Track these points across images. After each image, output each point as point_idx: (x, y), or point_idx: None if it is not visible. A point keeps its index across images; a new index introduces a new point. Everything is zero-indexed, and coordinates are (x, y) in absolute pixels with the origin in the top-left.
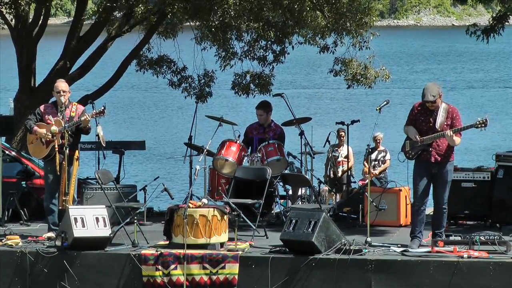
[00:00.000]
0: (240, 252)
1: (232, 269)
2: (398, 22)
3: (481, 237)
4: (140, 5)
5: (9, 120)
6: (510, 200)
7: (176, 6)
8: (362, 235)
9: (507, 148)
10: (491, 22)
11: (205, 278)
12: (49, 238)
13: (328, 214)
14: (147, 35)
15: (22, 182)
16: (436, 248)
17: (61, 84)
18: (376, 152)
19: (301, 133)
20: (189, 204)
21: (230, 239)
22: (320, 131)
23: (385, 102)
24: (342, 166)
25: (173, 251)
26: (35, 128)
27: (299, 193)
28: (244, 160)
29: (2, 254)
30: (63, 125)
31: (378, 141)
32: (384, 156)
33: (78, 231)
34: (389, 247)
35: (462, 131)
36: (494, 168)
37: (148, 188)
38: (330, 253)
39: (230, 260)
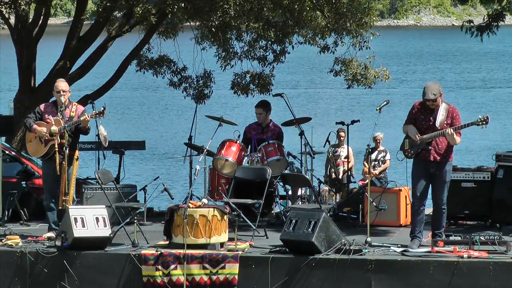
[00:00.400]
0: (240, 252)
1: (232, 269)
2: (398, 22)
3: (481, 237)
4: (140, 5)
5: (9, 120)
6: (510, 200)
7: (176, 6)
8: (362, 235)
9: (508, 148)
10: (486, 20)
11: (205, 278)
12: (49, 238)
13: (328, 214)
14: (147, 35)
15: (22, 182)
16: (436, 248)
17: (61, 84)
18: (376, 152)
19: (301, 133)
20: (189, 204)
21: (230, 239)
22: (320, 131)
23: (385, 102)
24: (343, 166)
25: (173, 251)
26: (34, 126)
27: (299, 193)
28: (244, 160)
29: (2, 254)
30: (63, 125)
31: (378, 141)
32: (384, 156)
33: (78, 231)
34: (389, 247)
35: (463, 128)
36: (494, 168)
37: (148, 188)
38: (330, 253)
39: (230, 260)
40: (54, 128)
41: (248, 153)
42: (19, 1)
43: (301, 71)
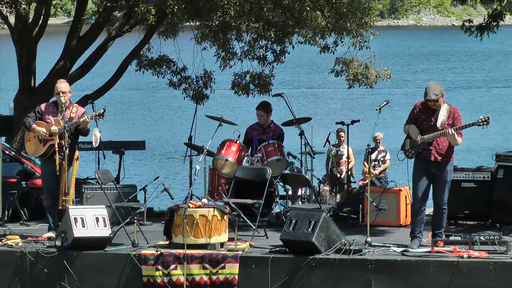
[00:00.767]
0: (240, 252)
1: (232, 269)
2: (398, 22)
3: (481, 237)
4: (140, 5)
5: (9, 120)
6: (510, 200)
7: (176, 7)
8: (362, 235)
9: (508, 148)
10: (486, 20)
11: (205, 278)
12: (49, 238)
13: (328, 214)
14: (147, 35)
15: (22, 182)
16: (436, 248)
17: (61, 85)
18: (376, 152)
19: (301, 133)
20: (189, 204)
21: (230, 239)
22: (320, 131)
23: (385, 102)
24: (345, 167)
25: (173, 251)
26: (34, 126)
27: (299, 193)
28: (244, 160)
29: (2, 254)
30: (63, 125)
31: (378, 141)
32: (384, 156)
33: (78, 231)
34: (389, 247)
35: (464, 129)
36: (494, 168)
37: (148, 188)
38: (330, 253)
39: (230, 260)
40: (54, 128)
41: (249, 153)
42: (20, 0)
43: (301, 71)
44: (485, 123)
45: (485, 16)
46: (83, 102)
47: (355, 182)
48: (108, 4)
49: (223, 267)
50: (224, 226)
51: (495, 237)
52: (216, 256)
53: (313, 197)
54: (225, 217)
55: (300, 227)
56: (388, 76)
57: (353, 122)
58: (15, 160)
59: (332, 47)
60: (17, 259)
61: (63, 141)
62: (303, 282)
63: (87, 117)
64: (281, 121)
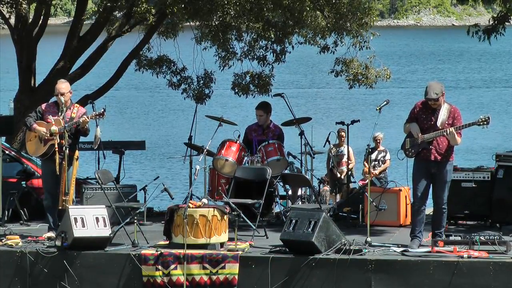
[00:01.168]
0: (240, 252)
1: (232, 269)
2: (398, 22)
3: (481, 237)
4: (140, 5)
5: (9, 120)
6: (510, 200)
7: (176, 7)
8: (362, 235)
9: (508, 148)
10: (492, 22)
11: (205, 278)
12: (49, 238)
13: (328, 214)
14: (147, 35)
15: (22, 182)
16: (436, 248)
17: (61, 86)
18: (376, 152)
19: (301, 133)
20: (189, 204)
21: (230, 239)
22: (320, 131)
23: (385, 102)
24: (346, 166)
25: (173, 251)
26: (34, 125)
27: (299, 193)
28: (244, 160)
29: (2, 254)
30: (63, 125)
31: (378, 141)
32: (384, 156)
33: (78, 231)
34: (389, 247)
35: (464, 128)
36: (494, 168)
37: (148, 188)
38: (330, 253)
39: (230, 260)
40: (54, 128)
41: (249, 153)
42: (21, 1)
43: (301, 71)
44: (485, 123)
45: (490, 18)
46: (83, 102)
47: (355, 182)
48: (108, 4)
49: (223, 267)
50: (224, 226)
51: (495, 237)
52: (216, 256)
53: (313, 197)
54: (225, 217)
55: (300, 227)
56: (388, 76)
57: (353, 122)
58: (15, 160)
59: (332, 47)
60: (17, 259)
61: (63, 141)
62: (303, 282)
63: (87, 117)
64: (281, 121)
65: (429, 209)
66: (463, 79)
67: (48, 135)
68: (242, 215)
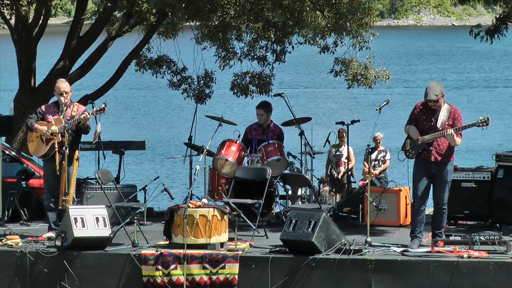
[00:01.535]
0: (240, 252)
1: (232, 269)
2: (398, 22)
3: (481, 237)
4: (141, 5)
5: (9, 120)
6: (510, 200)
7: (177, 6)
8: (362, 235)
9: (508, 148)
10: (494, 22)
11: (205, 278)
12: (49, 238)
13: (328, 214)
14: (147, 35)
15: (22, 182)
16: (436, 248)
17: (63, 85)
18: (376, 152)
19: (301, 133)
20: (189, 204)
21: (230, 239)
22: (320, 131)
23: (385, 102)
24: (345, 167)
25: (173, 251)
26: (36, 125)
27: (299, 193)
28: (244, 160)
29: (2, 254)
30: (63, 124)
31: (378, 141)
32: (384, 156)
33: (78, 231)
34: (389, 247)
35: (464, 129)
36: (494, 168)
37: (148, 188)
38: (330, 253)
39: (230, 260)
40: (54, 128)
41: (248, 153)
42: (21, 2)
43: (301, 71)
44: (485, 124)
45: (493, 19)
46: (83, 102)
47: (355, 182)
48: (109, 4)
49: (223, 267)
50: (224, 226)
51: (495, 237)
52: (216, 256)
53: (313, 197)
54: (225, 217)
55: (300, 227)
56: (387, 77)
57: (353, 122)
58: (15, 160)
59: (332, 47)
60: (17, 259)
61: (64, 139)
62: (303, 282)
63: (88, 113)
64: (281, 121)
65: (429, 209)
66: (463, 79)
67: (49, 134)
68: (242, 215)
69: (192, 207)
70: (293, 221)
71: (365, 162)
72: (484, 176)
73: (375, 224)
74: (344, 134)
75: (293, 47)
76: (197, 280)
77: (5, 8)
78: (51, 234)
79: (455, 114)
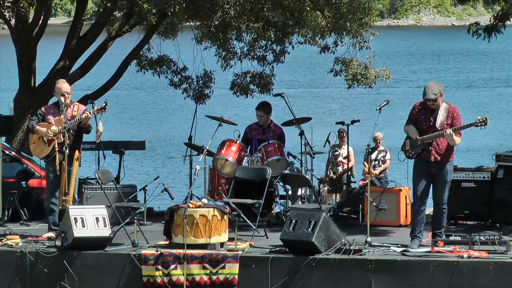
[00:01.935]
0: (240, 252)
1: (232, 269)
2: (398, 22)
3: (481, 237)
4: (141, 5)
5: (9, 120)
6: (510, 200)
7: (177, 7)
8: (362, 235)
9: (509, 148)
10: (492, 21)
11: (205, 278)
12: (49, 238)
13: (328, 214)
14: (147, 35)
15: (22, 182)
16: (436, 248)
17: (63, 85)
18: (376, 152)
19: (301, 133)
20: (189, 204)
21: (230, 239)
22: (320, 131)
23: (385, 102)
24: (343, 167)
25: (173, 251)
26: (37, 127)
27: (299, 193)
28: (244, 160)
29: (2, 254)
30: (64, 125)
31: (378, 141)
32: (384, 156)
33: (78, 231)
34: (389, 247)
35: (462, 129)
36: (494, 168)
37: (148, 188)
38: (330, 253)
39: (230, 260)
40: (54, 128)
41: (248, 153)
42: (21, 4)
43: (301, 71)
44: (483, 123)
45: (491, 17)
46: (83, 102)
47: (355, 182)
48: (109, 4)
49: (223, 267)
50: (224, 226)
51: (495, 237)
52: (216, 256)
53: (313, 197)
54: (225, 217)
55: (300, 227)
56: (387, 77)
57: (353, 122)
58: (15, 160)
59: (332, 47)
60: (17, 259)
61: (65, 139)
62: (303, 282)
63: (89, 112)
64: (281, 121)
65: (429, 209)
66: (463, 79)
67: (51, 135)
68: (242, 215)
69: (192, 207)
70: (293, 221)
71: (365, 162)
72: (484, 176)
73: (375, 224)
74: (344, 134)
75: (293, 47)
76: (197, 280)
77: (5, 10)
78: (51, 234)
79: (453, 113)
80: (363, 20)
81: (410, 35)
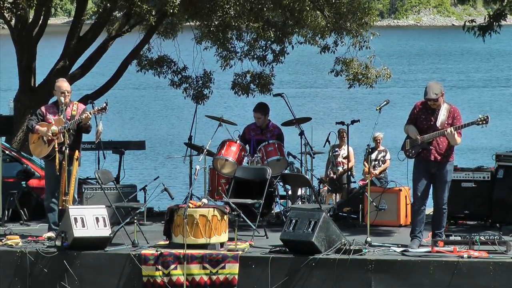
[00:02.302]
0: (240, 252)
1: (232, 269)
2: (398, 22)
3: (481, 237)
4: (141, 5)
5: (9, 120)
6: (510, 200)
7: (176, 9)
8: (362, 235)
9: (509, 148)
10: (488, 19)
11: (205, 278)
12: (49, 238)
13: (328, 214)
14: (147, 35)
15: (22, 182)
16: (436, 248)
17: (64, 84)
18: (376, 152)
19: (301, 133)
20: (189, 204)
21: (230, 239)
22: (320, 131)
23: (385, 102)
24: (342, 167)
25: (173, 251)
26: (37, 127)
27: (299, 193)
28: (244, 160)
29: (2, 254)
30: (64, 124)
31: (378, 141)
32: (384, 156)
33: (78, 231)
34: (389, 247)
35: (463, 128)
36: (494, 168)
37: (148, 188)
38: (330, 253)
39: (230, 260)
40: (54, 128)
41: (248, 153)
42: (21, 5)
43: (301, 71)
44: (484, 122)
45: (485, 16)
46: (83, 101)
47: (355, 182)
48: (108, 5)
49: (223, 267)
50: (224, 226)
51: (495, 237)
52: (216, 256)
53: (313, 197)
54: (225, 217)
55: (300, 227)
56: (388, 76)
57: (353, 122)
58: (15, 160)
59: (332, 47)
60: (17, 259)
61: (64, 139)
62: (303, 282)
63: (89, 113)
64: (281, 121)
65: (429, 209)
66: (463, 79)
67: (51, 134)
68: (242, 215)
69: (192, 207)
70: (293, 221)
71: (365, 162)
72: (484, 176)
73: (375, 224)
74: (344, 134)
75: (293, 47)
76: (197, 280)
77: (5, 11)
78: (51, 234)
79: (454, 113)
80: (363, 20)
81: (410, 35)
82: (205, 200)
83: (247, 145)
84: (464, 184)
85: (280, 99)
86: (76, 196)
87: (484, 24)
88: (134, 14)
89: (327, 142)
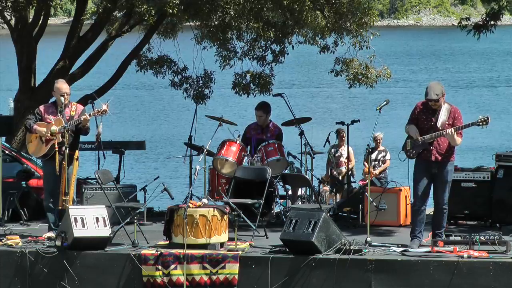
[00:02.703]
0: (240, 252)
1: (232, 269)
2: (398, 22)
3: (481, 237)
4: (140, 5)
5: (9, 120)
6: (510, 200)
7: (177, 9)
8: (362, 235)
9: (509, 148)
10: (483, 18)
11: (205, 278)
12: (49, 238)
13: (328, 214)
14: (147, 35)
15: (22, 182)
16: (436, 248)
17: (63, 86)
18: (376, 152)
19: (301, 133)
20: (189, 204)
21: (230, 239)
22: (320, 131)
23: (385, 102)
24: (345, 167)
25: (173, 251)
26: (35, 126)
27: (299, 193)
28: (244, 160)
29: (2, 254)
30: (63, 125)
31: (378, 141)
32: (384, 156)
33: (78, 231)
34: (389, 247)
35: (464, 129)
36: (494, 168)
37: (148, 188)
38: (330, 253)
39: (230, 260)
40: (54, 128)
41: (248, 153)
42: (21, 6)
43: (301, 71)
44: (485, 123)
45: (482, 15)
46: (83, 102)
47: (355, 182)
48: (108, 5)
49: (223, 267)
50: (224, 226)
51: (495, 237)
52: (216, 256)
53: (313, 197)
54: (225, 217)
55: (300, 227)
56: (388, 75)
57: (353, 122)
58: (15, 160)
59: (332, 47)
60: (17, 259)
61: (64, 139)
62: (303, 282)
63: (88, 115)
64: (281, 121)
65: (429, 209)
66: (463, 79)
67: (49, 135)
68: (242, 215)
69: (192, 207)
70: (293, 221)
71: (365, 162)
72: (484, 176)
73: (375, 224)
74: (344, 134)
75: (293, 47)
76: (197, 280)
77: (6, 11)
78: (51, 234)
79: (455, 113)
80: (363, 20)
81: (410, 35)
82: (205, 200)
83: (248, 144)
84: (464, 184)
85: (280, 99)
86: (75, 196)
87: (479, 23)
88: (134, 14)
89: (327, 142)
